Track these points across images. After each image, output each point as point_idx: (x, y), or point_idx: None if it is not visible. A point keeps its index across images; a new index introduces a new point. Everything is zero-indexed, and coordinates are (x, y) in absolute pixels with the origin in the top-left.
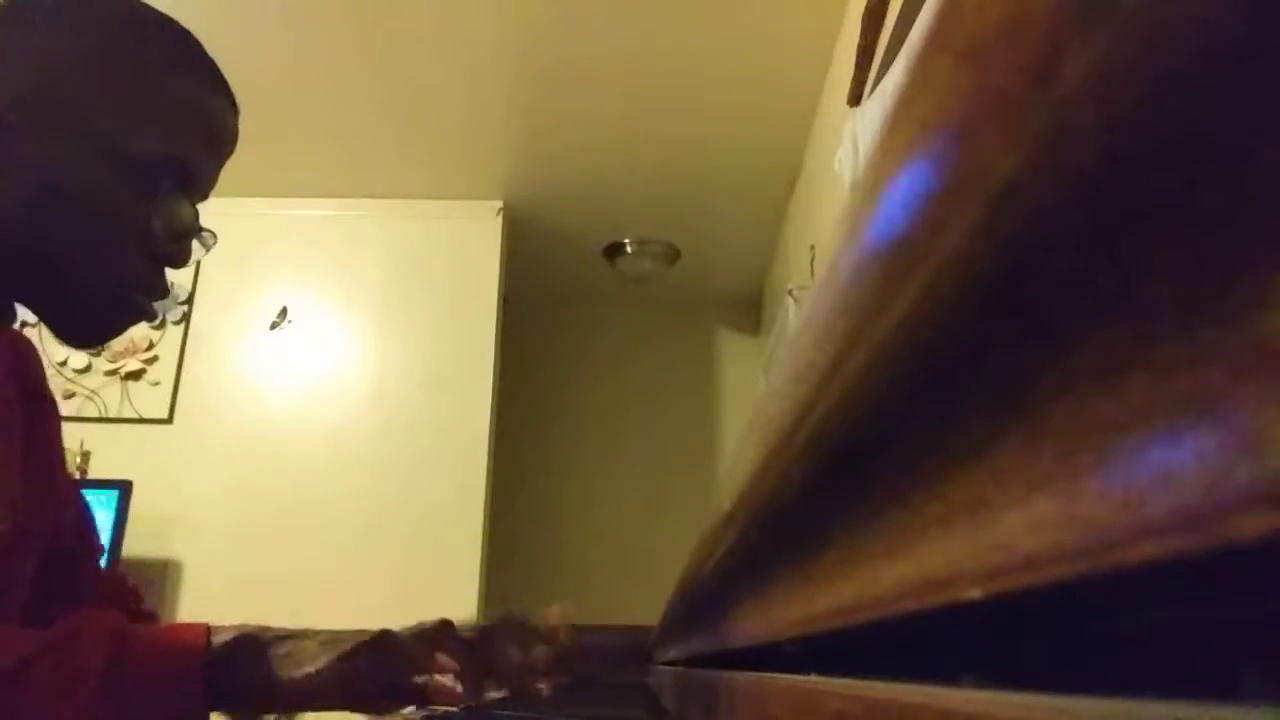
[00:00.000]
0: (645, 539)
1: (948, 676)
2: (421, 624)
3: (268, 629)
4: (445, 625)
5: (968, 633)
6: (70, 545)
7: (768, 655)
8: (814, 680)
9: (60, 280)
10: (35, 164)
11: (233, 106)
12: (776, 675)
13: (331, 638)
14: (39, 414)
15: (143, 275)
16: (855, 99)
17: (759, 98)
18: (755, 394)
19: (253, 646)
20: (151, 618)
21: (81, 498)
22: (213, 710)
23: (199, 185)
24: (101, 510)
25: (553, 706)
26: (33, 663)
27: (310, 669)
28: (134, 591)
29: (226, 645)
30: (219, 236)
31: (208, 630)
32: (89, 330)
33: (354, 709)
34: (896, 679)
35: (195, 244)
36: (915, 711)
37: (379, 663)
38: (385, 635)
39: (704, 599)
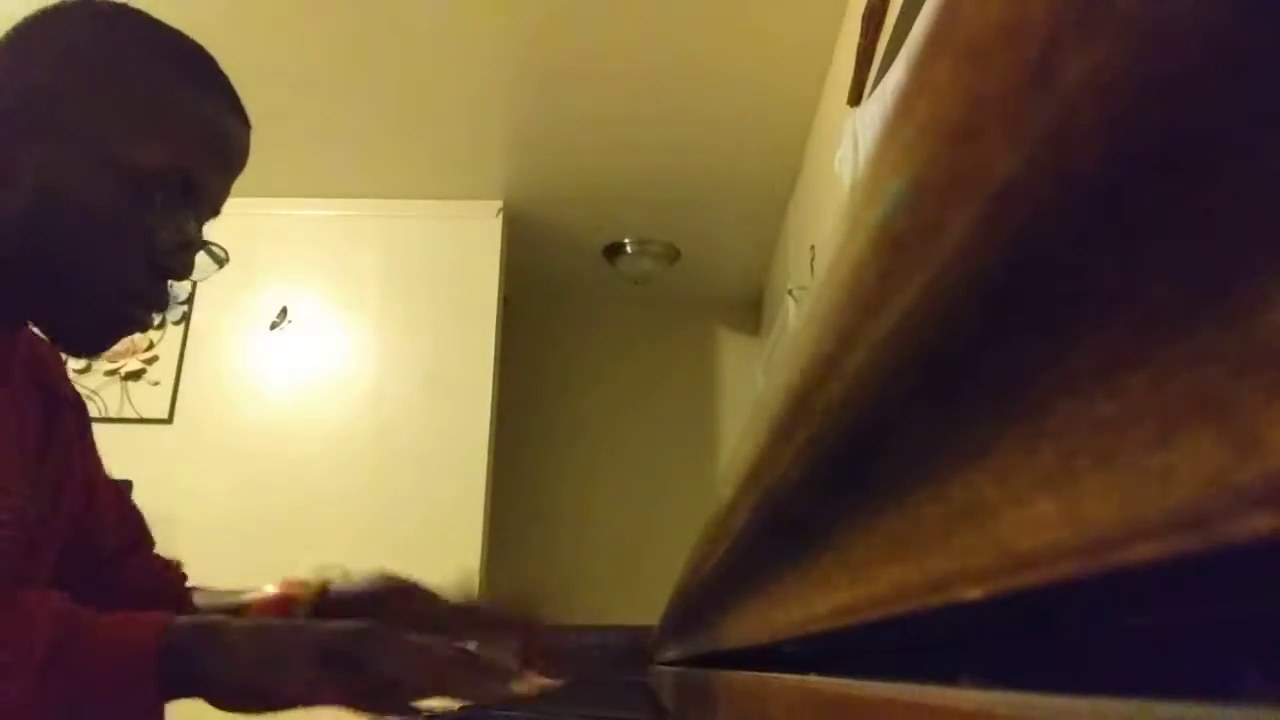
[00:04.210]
0: (645, 539)
1: (948, 676)
2: (409, 634)
3: (233, 618)
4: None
5: (968, 633)
6: (112, 548)
7: (768, 655)
8: (814, 680)
9: (60, 288)
10: (36, 172)
11: (244, 123)
12: (776, 675)
13: (314, 636)
14: (58, 416)
15: (143, 286)
16: (855, 99)
17: (759, 98)
18: (755, 394)
19: (213, 638)
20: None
21: (125, 498)
22: (169, 700)
23: (205, 199)
24: None
25: (553, 706)
26: None
27: (283, 674)
28: (172, 584)
29: (182, 635)
30: (218, 235)
31: (164, 620)
32: (88, 339)
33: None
34: (896, 679)
35: (206, 260)
36: (915, 711)
37: (359, 675)
38: (369, 655)
39: (704, 599)
